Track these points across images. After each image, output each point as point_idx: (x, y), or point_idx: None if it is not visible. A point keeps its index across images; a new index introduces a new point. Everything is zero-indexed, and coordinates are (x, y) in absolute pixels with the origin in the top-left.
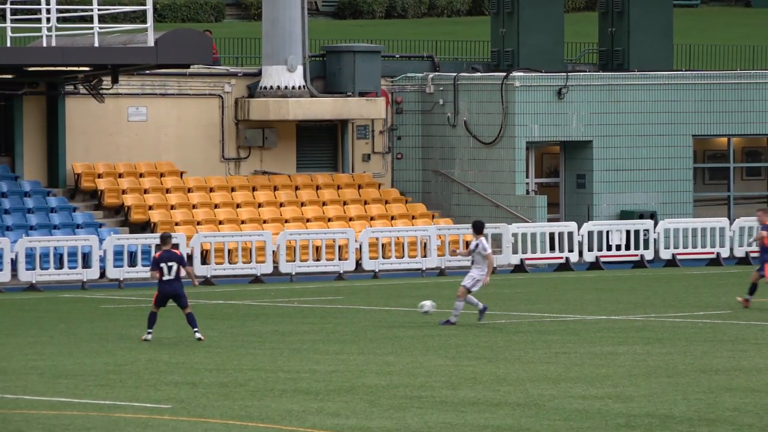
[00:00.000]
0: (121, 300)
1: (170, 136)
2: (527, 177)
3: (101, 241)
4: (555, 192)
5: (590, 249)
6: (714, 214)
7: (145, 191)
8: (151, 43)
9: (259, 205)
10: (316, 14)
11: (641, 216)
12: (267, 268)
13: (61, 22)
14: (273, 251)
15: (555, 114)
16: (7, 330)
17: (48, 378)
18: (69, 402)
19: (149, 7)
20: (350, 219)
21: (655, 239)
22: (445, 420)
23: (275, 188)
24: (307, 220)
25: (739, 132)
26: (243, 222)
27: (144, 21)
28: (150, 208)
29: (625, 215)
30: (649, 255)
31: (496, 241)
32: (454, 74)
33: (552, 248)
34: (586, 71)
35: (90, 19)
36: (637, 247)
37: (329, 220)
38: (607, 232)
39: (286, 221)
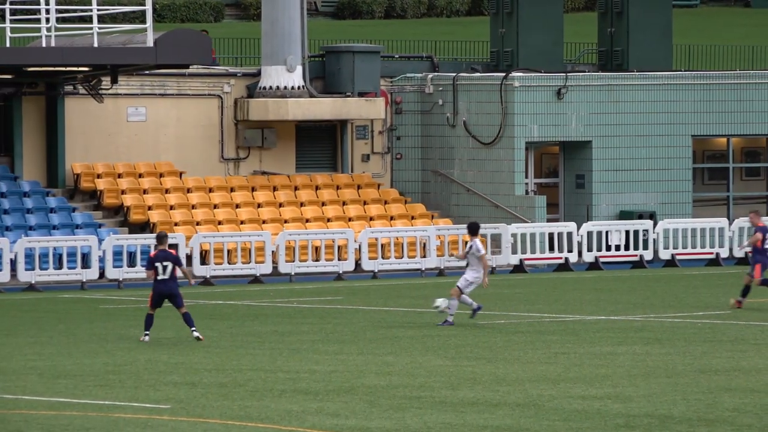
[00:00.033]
0: (121, 300)
1: (169, 137)
2: (526, 177)
3: (100, 241)
4: (554, 192)
5: (589, 249)
6: (713, 215)
7: (145, 191)
8: (150, 43)
9: (259, 206)
10: (316, 14)
11: (640, 216)
12: (266, 268)
13: (60, 22)
14: (272, 251)
15: (554, 114)
16: (6, 330)
17: (47, 378)
18: (68, 402)
19: (148, 7)
20: (349, 219)
21: (654, 239)
22: (445, 420)
23: (274, 188)
24: (307, 221)
25: (739, 132)
26: (242, 222)
27: (143, 21)
28: (149, 208)
29: (624, 215)
30: (648, 255)
31: (496, 241)
32: (454, 74)
33: (551, 248)
34: (585, 71)
35: (89, 20)
36: (636, 248)
37: (328, 220)
38: (607, 232)
39: (286, 221)
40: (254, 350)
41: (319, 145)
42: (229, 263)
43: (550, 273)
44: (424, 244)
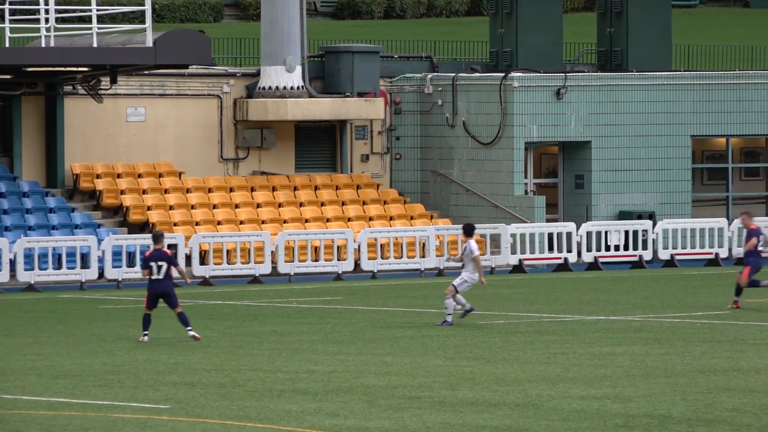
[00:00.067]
0: (120, 300)
1: (169, 137)
2: (526, 177)
3: (100, 241)
4: (554, 192)
5: (589, 249)
6: (712, 215)
7: (144, 192)
8: (149, 43)
9: (258, 206)
10: (315, 14)
11: (640, 216)
12: (265, 268)
13: (59, 22)
14: (271, 251)
15: (553, 114)
16: (5, 330)
17: (46, 378)
18: (67, 402)
19: (148, 7)
20: (349, 219)
21: (653, 239)
22: (444, 420)
23: (274, 189)
24: (306, 221)
25: (738, 132)
26: (241, 222)
27: (142, 21)
28: (148, 208)
29: (623, 215)
30: (647, 255)
31: (495, 241)
32: (453, 74)
33: (551, 249)
34: (584, 71)
35: (89, 20)
36: (635, 248)
37: (328, 220)
38: (606, 232)
39: (285, 221)
40: (253, 350)
41: (319, 145)
42: (228, 263)
43: (549, 273)
44: (424, 245)
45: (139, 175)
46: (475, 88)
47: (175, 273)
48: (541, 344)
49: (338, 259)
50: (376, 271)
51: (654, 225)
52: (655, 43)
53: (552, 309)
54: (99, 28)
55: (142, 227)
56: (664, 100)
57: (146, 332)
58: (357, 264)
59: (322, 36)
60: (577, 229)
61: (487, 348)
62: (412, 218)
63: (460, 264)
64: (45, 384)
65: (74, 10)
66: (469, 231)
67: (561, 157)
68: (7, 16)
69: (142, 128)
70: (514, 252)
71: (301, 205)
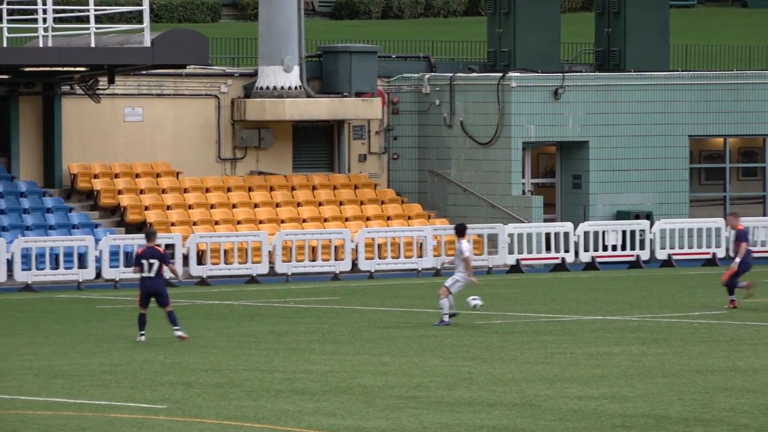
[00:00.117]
0: (117, 300)
1: (166, 137)
2: (523, 177)
3: (97, 241)
4: (551, 192)
5: (586, 249)
6: (710, 215)
7: (141, 192)
8: (147, 43)
9: (255, 206)
10: (313, 14)
11: (637, 216)
12: (263, 268)
13: (57, 22)
14: (269, 251)
15: (551, 114)
16: (2, 330)
17: (44, 378)
18: (65, 402)
19: (145, 7)
20: (346, 219)
21: (651, 239)
22: (441, 420)
23: (271, 188)
24: (303, 221)
25: (735, 132)
26: (239, 222)
27: (140, 21)
28: (146, 208)
29: (621, 215)
30: (645, 255)
31: (492, 241)
32: (451, 74)
33: (548, 248)
34: (582, 71)
35: (86, 20)
36: (633, 248)
37: (325, 220)
38: (603, 232)
39: (282, 221)
40: (251, 350)
41: (316, 145)
42: (225, 263)
43: (546, 273)
44: (421, 244)
45: (137, 175)
46: (473, 88)
47: (167, 273)
48: (538, 344)
49: (336, 259)
50: (373, 271)
51: (651, 225)
52: (653, 43)
53: (549, 309)
54: (97, 28)
55: (140, 227)
56: (662, 100)
57: (143, 332)
58: (354, 264)
59: (320, 36)
60: (575, 229)
61: (485, 348)
62: (409, 218)
63: (454, 265)
64: (42, 384)
65: (72, 10)
66: (460, 231)
67: (558, 157)
68: (4, 16)
69: (140, 128)
70: (511, 252)
71: (298, 205)
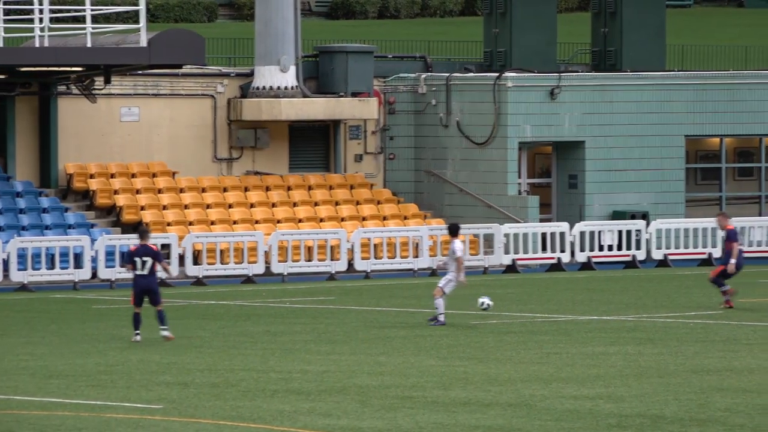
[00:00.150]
0: (113, 300)
1: (162, 137)
2: (519, 177)
3: (93, 241)
4: (547, 192)
5: (582, 249)
6: (706, 215)
7: (137, 191)
8: (143, 43)
9: (251, 206)
10: (309, 14)
11: (633, 216)
12: (259, 268)
13: (53, 22)
14: (265, 251)
15: (547, 114)
16: None
17: (39, 378)
18: (60, 402)
19: (142, 7)
20: (342, 219)
21: (647, 239)
22: (437, 420)
23: (267, 188)
24: (299, 221)
25: (732, 132)
26: (235, 222)
27: (137, 21)
28: (142, 208)
29: (617, 215)
30: (641, 255)
31: (488, 241)
32: (447, 74)
33: (544, 248)
34: (578, 71)
35: (83, 20)
36: (629, 248)
37: (321, 220)
38: (599, 232)
39: (278, 221)
40: (246, 350)
41: (312, 145)
42: (221, 263)
43: (542, 273)
44: (417, 244)
45: (133, 175)
46: (469, 88)
47: (160, 272)
48: (534, 344)
49: (331, 259)
50: (369, 271)
51: (647, 225)
52: (649, 43)
53: (545, 309)
54: (93, 28)
55: (136, 227)
56: (658, 100)
57: (138, 332)
58: (350, 264)
59: (317, 36)
60: (571, 229)
61: (480, 348)
62: (405, 218)
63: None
64: (38, 384)
65: (68, 10)
66: (454, 231)
67: (554, 157)
68: (1, 16)
69: (136, 128)
70: (507, 252)
71: (294, 205)
